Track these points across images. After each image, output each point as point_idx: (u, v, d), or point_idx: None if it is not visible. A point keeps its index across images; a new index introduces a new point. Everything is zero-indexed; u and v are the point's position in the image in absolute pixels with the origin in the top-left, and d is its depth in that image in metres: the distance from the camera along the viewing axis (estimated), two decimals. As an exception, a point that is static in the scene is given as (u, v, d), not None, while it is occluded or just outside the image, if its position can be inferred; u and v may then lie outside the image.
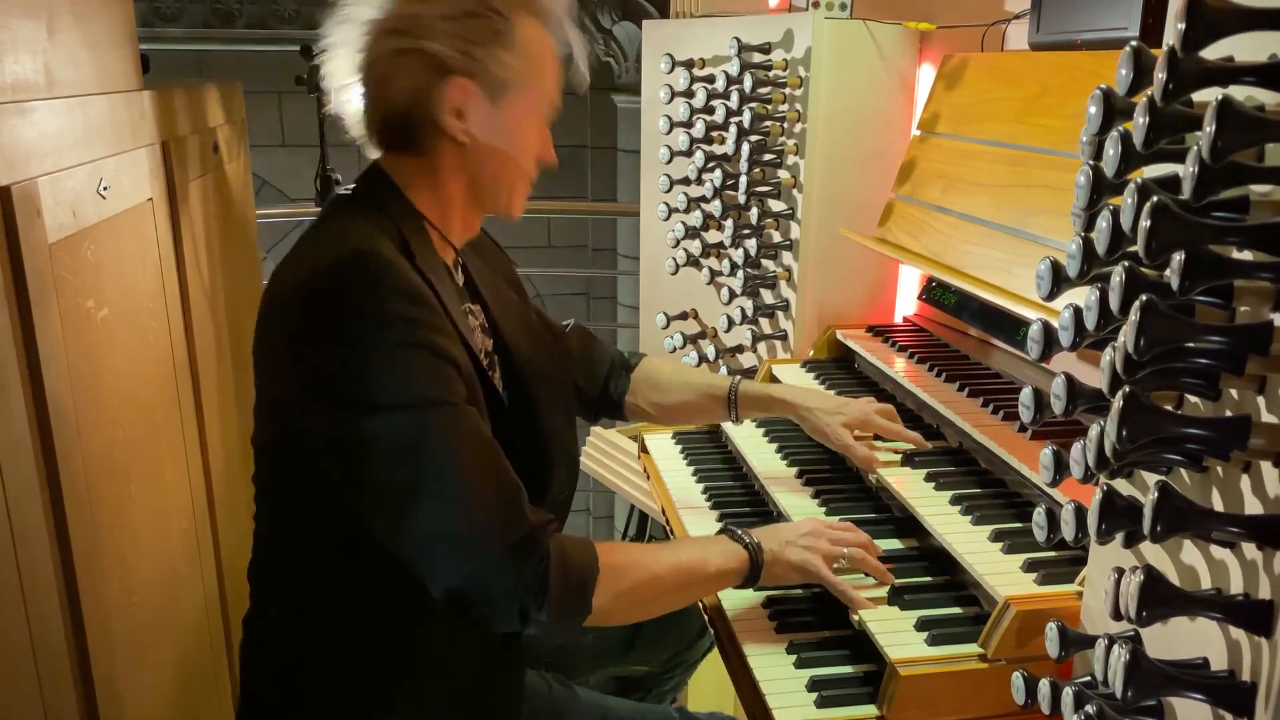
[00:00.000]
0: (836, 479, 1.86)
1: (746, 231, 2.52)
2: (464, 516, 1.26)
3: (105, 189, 1.62)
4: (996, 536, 1.49)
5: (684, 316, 2.84)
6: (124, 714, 1.60)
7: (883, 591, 1.49)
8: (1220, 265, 0.80)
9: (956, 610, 1.46)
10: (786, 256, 2.46)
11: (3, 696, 1.27)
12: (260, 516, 1.47)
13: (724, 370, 2.67)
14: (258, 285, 2.74)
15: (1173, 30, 0.80)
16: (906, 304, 2.48)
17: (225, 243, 2.36)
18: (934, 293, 2.28)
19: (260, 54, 6.59)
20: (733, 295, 2.61)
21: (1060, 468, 1.01)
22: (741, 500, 1.94)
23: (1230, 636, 0.88)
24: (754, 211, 2.51)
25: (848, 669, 1.43)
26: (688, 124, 2.60)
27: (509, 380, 1.52)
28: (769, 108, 2.42)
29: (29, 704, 1.32)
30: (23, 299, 1.33)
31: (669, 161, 2.64)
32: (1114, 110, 0.90)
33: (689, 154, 2.58)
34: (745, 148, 2.44)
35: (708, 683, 2.63)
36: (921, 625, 1.40)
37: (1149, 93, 0.84)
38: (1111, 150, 0.88)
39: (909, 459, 1.77)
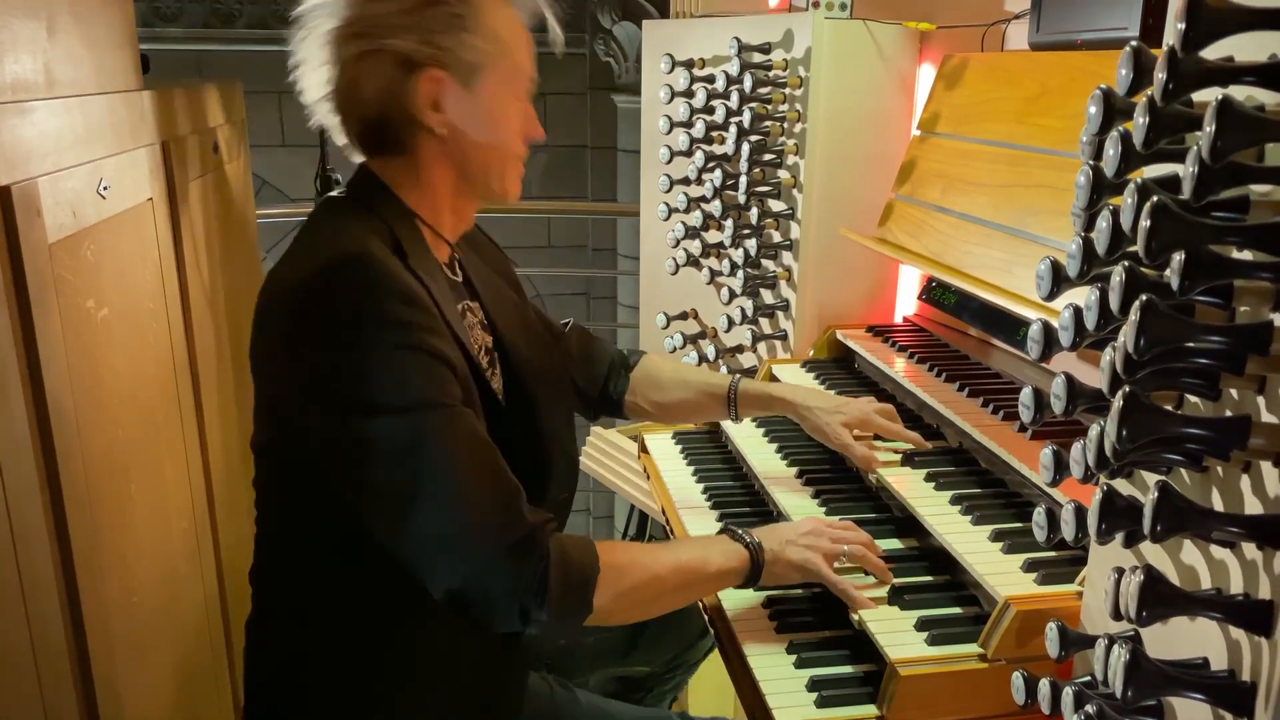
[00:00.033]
0: (836, 479, 1.86)
1: (746, 231, 2.52)
2: (462, 517, 1.26)
3: (105, 189, 1.62)
4: (996, 536, 1.49)
5: (684, 316, 2.84)
6: (124, 714, 1.60)
7: (883, 591, 1.49)
8: (1220, 265, 0.80)
9: (956, 610, 1.46)
10: (786, 256, 2.46)
11: (3, 696, 1.27)
12: (260, 519, 1.47)
13: (724, 370, 2.67)
14: (258, 285, 2.72)
15: (1173, 30, 0.80)
16: (906, 304, 2.48)
17: (225, 243, 2.36)
18: (934, 293, 2.28)
19: (260, 54, 6.58)
20: (733, 295, 2.61)
21: (1060, 468, 1.01)
22: (741, 500, 1.94)
23: (1230, 636, 0.88)
24: (754, 211, 2.51)
25: (848, 669, 1.43)
26: (688, 124, 2.60)
27: (506, 378, 1.52)
28: (769, 108, 2.42)
29: (29, 704, 1.32)
30: (23, 299, 1.32)
31: (669, 161, 2.64)
32: (1114, 110, 0.90)
33: (689, 154, 2.58)
34: (745, 148, 2.44)
35: (708, 683, 2.63)
36: (921, 625, 1.40)
37: (1149, 93, 0.84)
38: (1111, 150, 0.88)
39: (909, 459, 1.77)
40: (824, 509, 1.74)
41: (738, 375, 1.95)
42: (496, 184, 1.48)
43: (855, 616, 1.45)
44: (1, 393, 1.28)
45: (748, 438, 2.07)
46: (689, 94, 2.60)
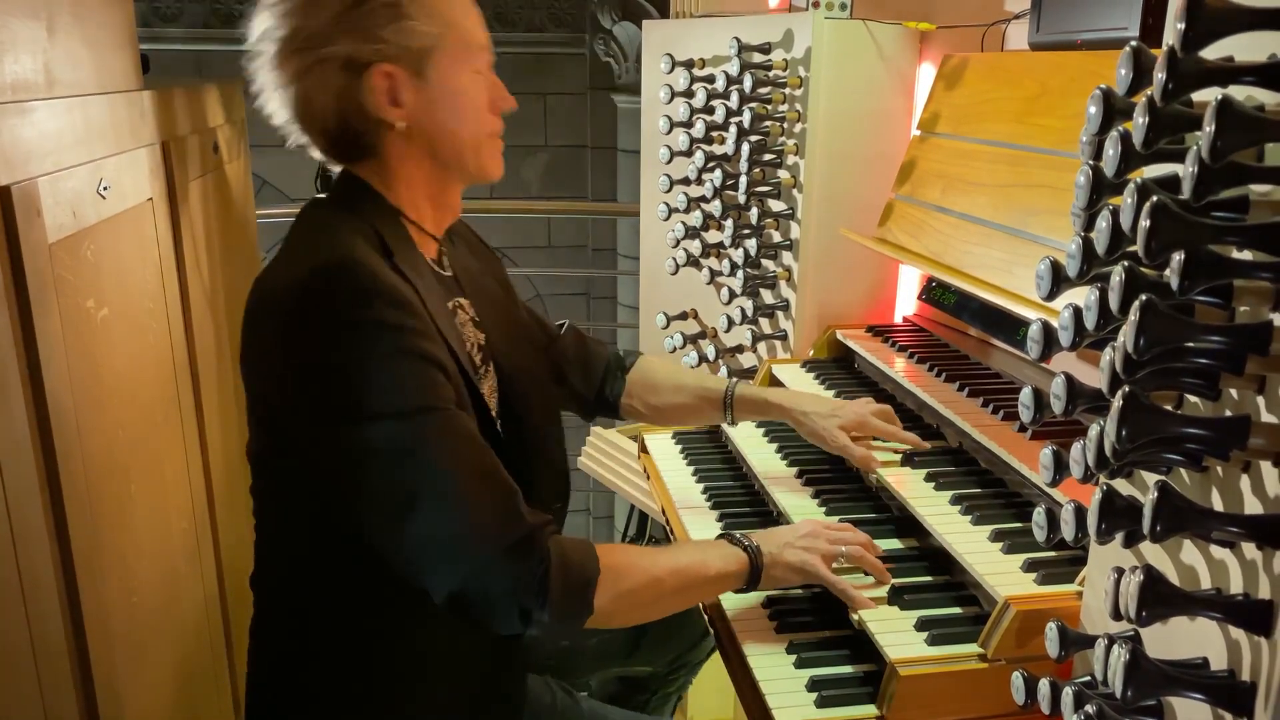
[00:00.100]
0: (836, 479, 1.86)
1: (746, 231, 2.52)
2: (460, 519, 1.26)
3: (105, 189, 1.62)
4: (996, 536, 1.49)
5: (684, 316, 2.84)
6: (124, 714, 1.60)
7: (882, 591, 1.49)
8: (1220, 265, 0.80)
9: (956, 610, 1.46)
10: (786, 256, 2.46)
11: (3, 696, 1.27)
12: (259, 524, 1.47)
13: (724, 370, 2.67)
14: (258, 285, 2.73)
15: (1173, 30, 0.80)
16: (906, 304, 2.48)
17: (225, 243, 2.36)
18: (934, 293, 2.28)
19: (260, 54, 6.58)
20: (733, 295, 2.61)
21: (1060, 468, 1.01)
22: (741, 500, 1.94)
23: (1230, 636, 0.88)
24: (754, 211, 2.51)
25: (847, 669, 1.43)
26: (688, 124, 2.60)
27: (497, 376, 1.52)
28: (769, 108, 2.42)
29: (29, 704, 1.32)
30: (23, 299, 1.32)
31: (669, 161, 2.64)
32: (1114, 110, 0.90)
33: (689, 154, 2.58)
34: (745, 148, 2.44)
35: (709, 684, 2.63)
36: (921, 625, 1.40)
37: (1149, 93, 0.84)
38: (1111, 150, 0.88)
39: (909, 459, 1.77)
40: (824, 509, 1.74)
41: (734, 379, 1.95)
42: (473, 165, 1.46)
43: (855, 616, 1.45)
44: (1, 393, 1.28)
45: (748, 438, 2.07)
46: (689, 94, 2.60)
